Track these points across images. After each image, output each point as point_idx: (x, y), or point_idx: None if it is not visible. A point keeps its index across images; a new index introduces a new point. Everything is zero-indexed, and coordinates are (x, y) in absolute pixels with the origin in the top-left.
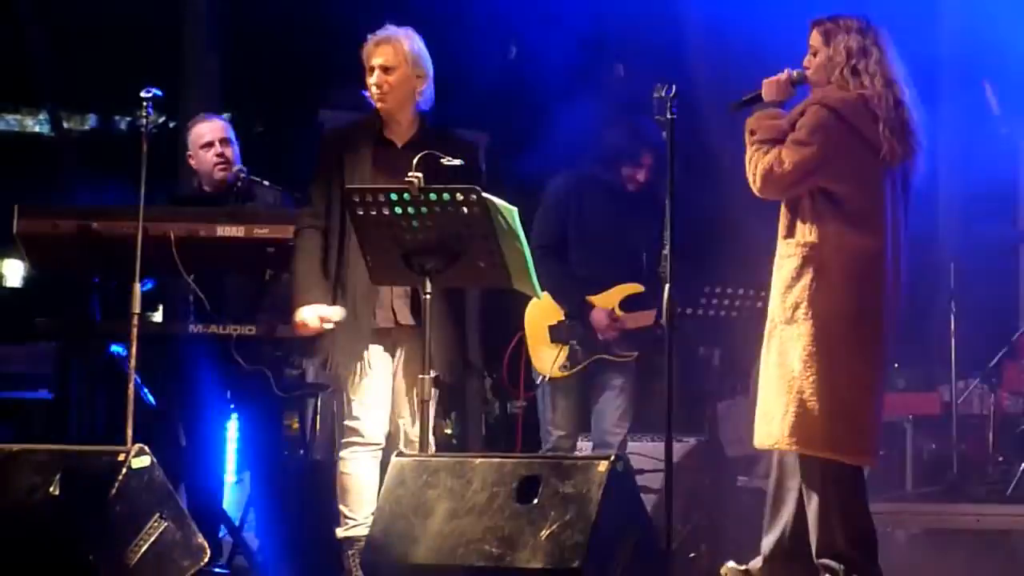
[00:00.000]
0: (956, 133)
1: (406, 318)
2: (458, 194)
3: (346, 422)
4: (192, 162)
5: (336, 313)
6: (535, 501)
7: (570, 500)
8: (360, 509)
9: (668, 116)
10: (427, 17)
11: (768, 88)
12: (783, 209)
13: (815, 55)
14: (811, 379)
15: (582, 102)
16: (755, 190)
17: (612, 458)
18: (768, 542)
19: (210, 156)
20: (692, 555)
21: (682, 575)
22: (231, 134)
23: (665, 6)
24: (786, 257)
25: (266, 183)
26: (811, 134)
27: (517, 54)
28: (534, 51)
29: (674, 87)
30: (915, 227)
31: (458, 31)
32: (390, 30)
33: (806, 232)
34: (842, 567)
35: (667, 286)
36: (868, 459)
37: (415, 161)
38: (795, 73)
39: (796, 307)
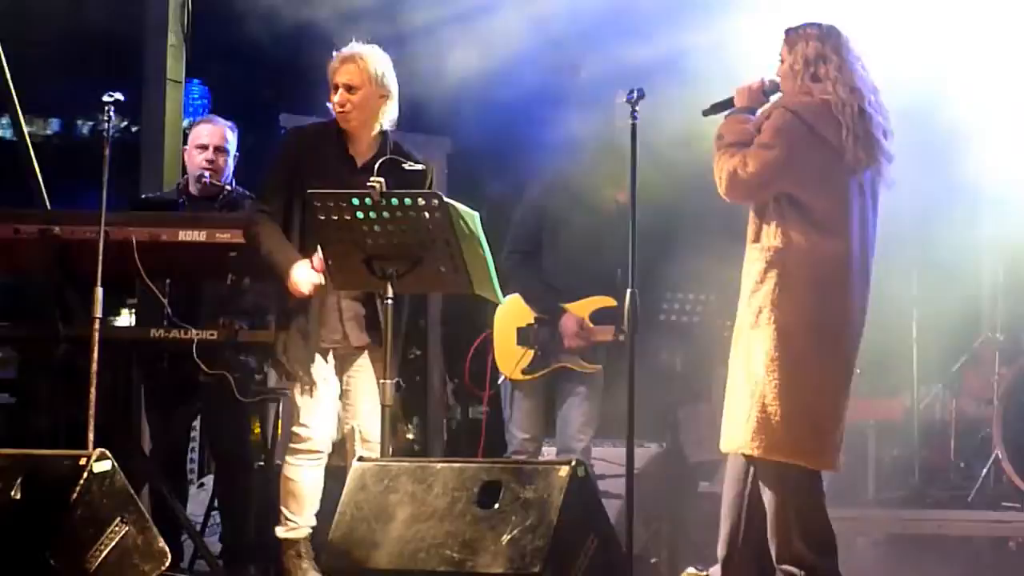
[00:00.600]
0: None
1: (359, 339)
2: (420, 199)
3: (294, 429)
4: (185, 158)
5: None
6: (496, 506)
7: (531, 505)
8: (302, 513)
9: (631, 121)
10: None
11: (740, 95)
12: (751, 214)
13: (782, 63)
14: (773, 384)
15: (550, 107)
16: (721, 193)
17: (573, 463)
18: (723, 548)
19: (200, 159)
20: (653, 560)
21: None
22: (230, 144)
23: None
24: (752, 262)
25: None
26: (774, 137)
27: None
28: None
29: (636, 92)
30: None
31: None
32: (355, 48)
33: (771, 237)
34: (802, 572)
35: (629, 291)
36: (829, 463)
37: (376, 167)
38: (767, 81)
39: (760, 311)
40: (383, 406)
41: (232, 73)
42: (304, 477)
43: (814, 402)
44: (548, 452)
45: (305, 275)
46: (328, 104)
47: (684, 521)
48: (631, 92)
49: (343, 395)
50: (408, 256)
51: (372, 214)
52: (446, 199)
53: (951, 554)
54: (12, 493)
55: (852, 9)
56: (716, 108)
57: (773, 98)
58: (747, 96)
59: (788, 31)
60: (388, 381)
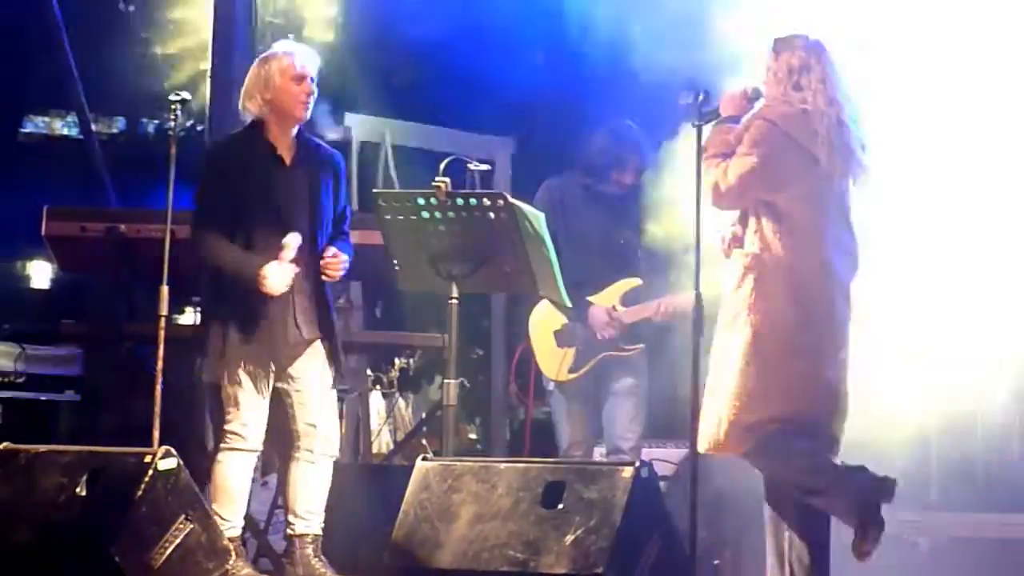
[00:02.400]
0: None
1: (311, 333)
2: (485, 199)
3: (231, 427)
4: None
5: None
6: (560, 506)
7: (595, 505)
8: (234, 512)
9: (695, 124)
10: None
11: (725, 103)
12: (736, 221)
13: (768, 70)
14: (746, 386)
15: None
16: (711, 203)
17: (637, 464)
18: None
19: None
20: (715, 562)
21: None
22: None
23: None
24: (732, 267)
25: None
26: (752, 146)
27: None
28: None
29: (702, 94)
30: None
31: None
32: (300, 44)
33: (749, 243)
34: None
35: (694, 293)
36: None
37: (442, 166)
38: (751, 89)
39: (736, 316)
40: (446, 406)
41: None
42: (239, 474)
43: (784, 405)
44: (598, 452)
45: (278, 271)
46: (250, 107)
47: (746, 523)
48: (695, 93)
49: (291, 389)
50: (473, 256)
51: (437, 214)
52: (511, 199)
53: (1015, 557)
54: (78, 490)
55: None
56: (705, 118)
57: (757, 105)
58: (731, 104)
59: (776, 40)
60: (452, 381)
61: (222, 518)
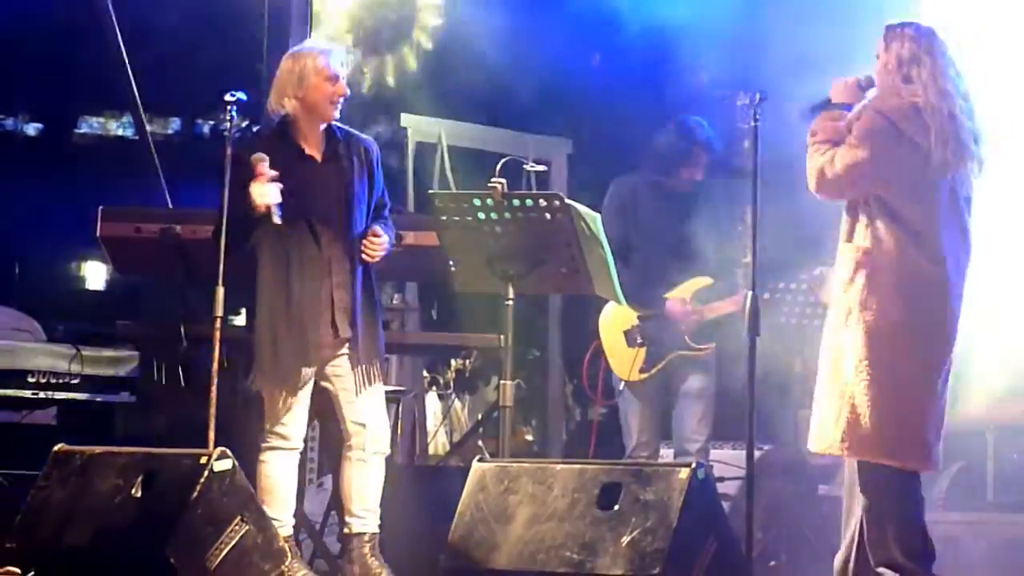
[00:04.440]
0: None
1: (346, 331)
2: (542, 200)
3: (273, 427)
4: None
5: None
6: (616, 508)
7: (651, 507)
8: (282, 511)
9: (752, 123)
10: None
11: (836, 90)
12: (844, 213)
13: (878, 60)
14: (862, 385)
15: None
16: (811, 190)
17: (693, 465)
18: (840, 555)
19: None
20: (772, 563)
21: None
22: None
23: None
24: (843, 261)
25: None
26: (863, 138)
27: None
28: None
29: (758, 95)
30: None
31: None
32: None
33: (861, 237)
34: None
35: (750, 294)
36: (919, 463)
37: (498, 167)
38: (864, 77)
39: (849, 312)
40: (503, 407)
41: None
42: (284, 473)
43: (901, 404)
44: (665, 454)
45: (262, 186)
46: (278, 105)
47: (803, 524)
48: (752, 94)
49: (336, 388)
50: (529, 257)
51: (494, 215)
52: (568, 200)
53: None
54: (133, 491)
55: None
56: (816, 109)
57: (869, 94)
58: (843, 92)
59: (887, 28)
60: (508, 382)
61: (271, 519)
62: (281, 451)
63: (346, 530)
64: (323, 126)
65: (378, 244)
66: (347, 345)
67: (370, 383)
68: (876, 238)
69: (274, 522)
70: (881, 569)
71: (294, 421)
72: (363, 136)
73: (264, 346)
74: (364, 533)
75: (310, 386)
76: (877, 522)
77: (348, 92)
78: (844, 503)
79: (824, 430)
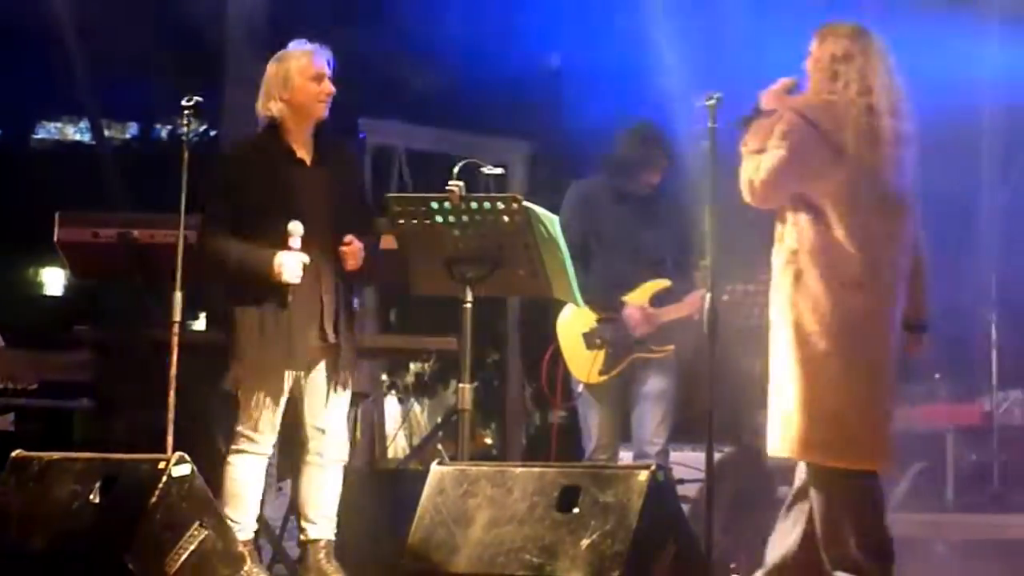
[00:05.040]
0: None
1: (333, 337)
2: (499, 203)
3: (243, 430)
4: None
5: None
6: (575, 511)
7: (610, 510)
8: (245, 514)
9: (710, 124)
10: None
11: (766, 98)
12: (776, 216)
13: (811, 57)
14: (796, 386)
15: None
16: (747, 201)
17: (653, 468)
18: (774, 554)
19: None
20: (732, 565)
21: None
22: None
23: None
24: (775, 264)
25: None
26: (780, 139)
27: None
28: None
29: (716, 96)
30: (956, 237)
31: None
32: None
33: (788, 238)
34: None
35: (708, 295)
36: (863, 462)
37: (455, 170)
38: (789, 81)
39: (780, 313)
40: (461, 410)
41: None
42: (251, 477)
43: (838, 404)
44: (624, 457)
45: (291, 259)
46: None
47: (763, 526)
48: (709, 96)
49: (303, 392)
50: (487, 259)
51: (451, 218)
52: (526, 202)
53: None
54: (91, 496)
55: None
56: (748, 120)
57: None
58: (772, 99)
59: (822, 26)
60: (467, 385)
61: (232, 520)
62: (250, 455)
63: (302, 536)
64: (312, 129)
65: (353, 252)
66: (325, 351)
67: (344, 388)
68: (802, 238)
69: (235, 525)
70: (840, 573)
71: (266, 426)
72: (349, 140)
73: (249, 347)
74: (320, 540)
75: (287, 392)
76: (833, 524)
77: (333, 90)
78: (786, 503)
79: (773, 432)
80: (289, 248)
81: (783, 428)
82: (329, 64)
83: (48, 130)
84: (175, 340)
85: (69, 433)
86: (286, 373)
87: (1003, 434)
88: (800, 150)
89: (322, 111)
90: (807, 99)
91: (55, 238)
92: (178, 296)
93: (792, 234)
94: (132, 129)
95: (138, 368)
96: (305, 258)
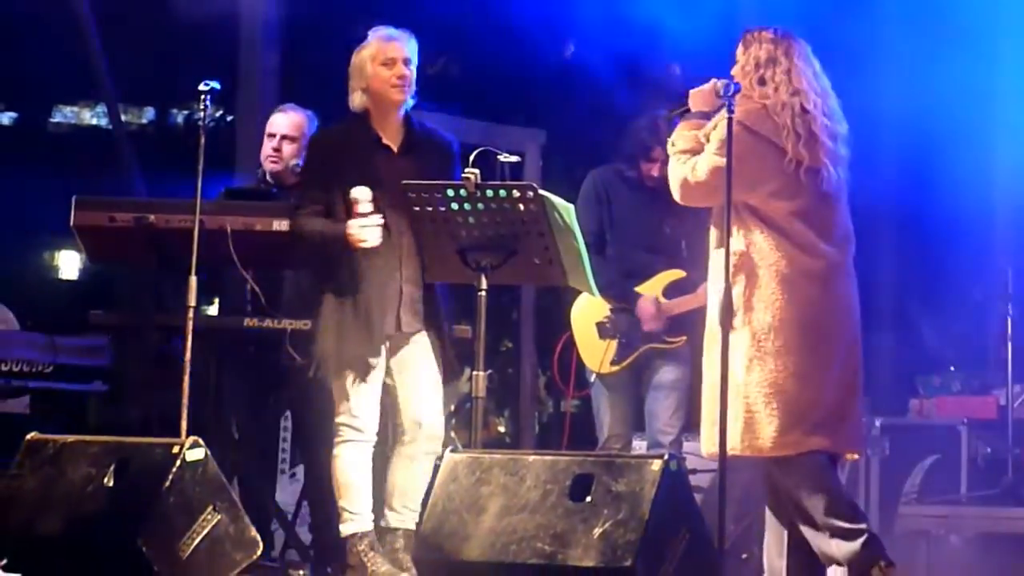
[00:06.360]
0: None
1: (410, 325)
2: (514, 191)
3: (343, 420)
4: None
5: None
6: (588, 499)
7: (623, 499)
8: (361, 503)
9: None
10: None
11: (695, 99)
12: (712, 221)
13: (737, 63)
14: (753, 383)
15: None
16: (676, 198)
17: (666, 457)
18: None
19: (267, 147)
20: (744, 555)
21: (734, 575)
22: (301, 132)
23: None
24: (717, 268)
25: None
26: (720, 146)
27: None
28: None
29: (732, 85)
30: (971, 231)
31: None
32: (396, 29)
33: (735, 242)
34: (839, 536)
35: (722, 287)
36: (822, 444)
37: (471, 158)
38: (719, 83)
39: (733, 315)
40: (475, 398)
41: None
42: (359, 466)
43: (797, 394)
44: (638, 446)
45: (364, 222)
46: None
47: None
48: (727, 85)
49: (397, 383)
50: (502, 248)
51: (467, 206)
52: (541, 191)
53: None
54: (105, 480)
55: None
56: (674, 114)
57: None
58: (701, 100)
59: (745, 32)
60: (480, 373)
61: (350, 512)
62: (355, 443)
63: (382, 523)
64: (400, 117)
65: None
66: (412, 340)
67: (436, 381)
68: (749, 241)
69: (352, 516)
70: (819, 540)
71: (365, 412)
72: (446, 133)
73: (328, 335)
74: (399, 529)
75: (380, 377)
76: (807, 509)
77: (407, 73)
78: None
79: (731, 435)
80: (359, 215)
81: (741, 427)
82: (401, 49)
83: (64, 114)
84: (190, 324)
85: (83, 417)
86: (376, 360)
87: (1018, 427)
88: (742, 158)
89: (397, 96)
90: (744, 105)
91: (71, 222)
92: (193, 281)
93: (739, 238)
94: (149, 114)
95: (152, 353)
96: (379, 219)
